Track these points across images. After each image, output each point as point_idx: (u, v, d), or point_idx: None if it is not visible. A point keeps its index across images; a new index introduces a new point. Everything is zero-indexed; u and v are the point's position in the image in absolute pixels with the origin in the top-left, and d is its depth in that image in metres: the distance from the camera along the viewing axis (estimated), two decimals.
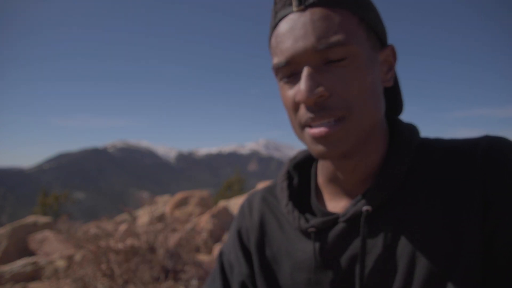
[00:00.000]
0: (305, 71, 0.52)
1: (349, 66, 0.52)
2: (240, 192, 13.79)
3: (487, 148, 0.53)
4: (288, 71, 0.54)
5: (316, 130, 0.53)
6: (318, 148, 0.54)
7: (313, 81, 0.51)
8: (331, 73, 0.52)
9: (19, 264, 5.20)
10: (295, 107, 0.55)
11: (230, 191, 14.52)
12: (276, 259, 0.65)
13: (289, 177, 0.69)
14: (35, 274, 5.12)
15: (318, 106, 0.52)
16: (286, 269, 0.63)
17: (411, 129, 0.61)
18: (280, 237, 0.66)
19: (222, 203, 8.27)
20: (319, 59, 0.52)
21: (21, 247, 6.58)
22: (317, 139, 0.53)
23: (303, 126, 0.55)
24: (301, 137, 0.57)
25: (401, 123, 0.63)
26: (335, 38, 0.51)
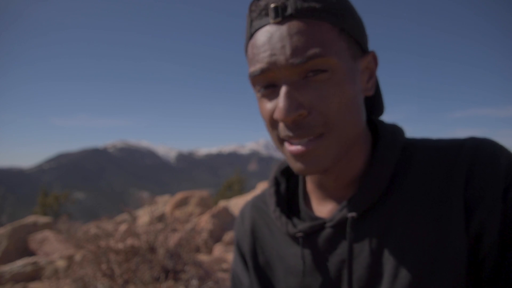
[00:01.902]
0: (284, 89, 0.51)
1: (329, 81, 0.50)
2: (240, 192, 13.79)
3: (472, 149, 0.53)
4: (265, 81, 0.53)
5: (294, 148, 0.52)
6: (297, 166, 0.54)
7: (292, 100, 0.50)
8: (310, 88, 0.51)
9: (19, 264, 5.20)
10: (273, 122, 0.54)
11: (230, 191, 14.52)
12: (269, 264, 0.65)
13: (277, 183, 0.69)
14: (35, 274, 5.12)
15: (297, 125, 0.51)
16: (279, 274, 0.63)
17: (395, 131, 0.60)
18: (271, 242, 0.66)
19: (222, 203, 8.28)
20: (297, 74, 0.51)
21: (21, 247, 6.58)
22: (296, 156, 0.53)
23: (282, 140, 0.55)
24: (280, 150, 0.57)
25: (384, 125, 0.61)
26: (312, 52, 0.49)
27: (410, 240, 0.52)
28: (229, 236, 6.45)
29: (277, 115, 0.51)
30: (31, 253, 6.42)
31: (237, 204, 7.84)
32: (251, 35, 0.55)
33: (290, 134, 0.52)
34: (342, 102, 0.51)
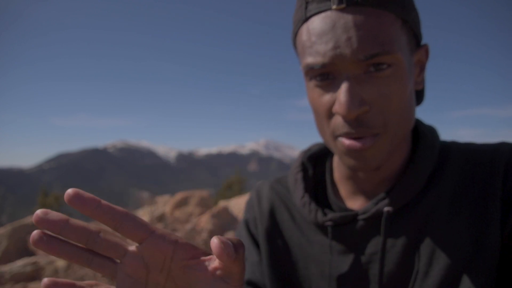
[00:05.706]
0: (346, 83, 0.48)
1: (391, 77, 0.48)
2: (240, 192, 13.80)
3: (507, 152, 0.53)
4: (323, 73, 0.51)
5: (351, 143, 0.50)
6: (350, 161, 0.52)
7: (355, 95, 0.48)
8: (372, 84, 0.48)
9: (19, 264, 5.20)
10: (329, 115, 0.52)
11: (230, 191, 14.54)
12: (286, 249, 0.64)
13: (304, 169, 0.66)
14: (35, 274, 5.12)
15: (358, 121, 0.50)
16: (297, 260, 0.62)
17: (434, 131, 0.61)
18: (291, 228, 0.64)
19: (222, 203, 8.28)
20: (360, 68, 0.48)
21: (21, 247, 6.58)
22: (351, 152, 0.51)
23: (337, 136, 0.53)
24: (331, 145, 0.55)
25: (423, 124, 0.61)
26: (380, 48, 0.46)
27: (445, 239, 0.52)
28: (229, 236, 6.44)
29: (339, 110, 0.49)
30: (31, 253, 6.42)
31: (237, 204, 7.84)
32: (305, 19, 0.51)
33: (351, 130, 0.50)
34: (402, 100, 0.50)
